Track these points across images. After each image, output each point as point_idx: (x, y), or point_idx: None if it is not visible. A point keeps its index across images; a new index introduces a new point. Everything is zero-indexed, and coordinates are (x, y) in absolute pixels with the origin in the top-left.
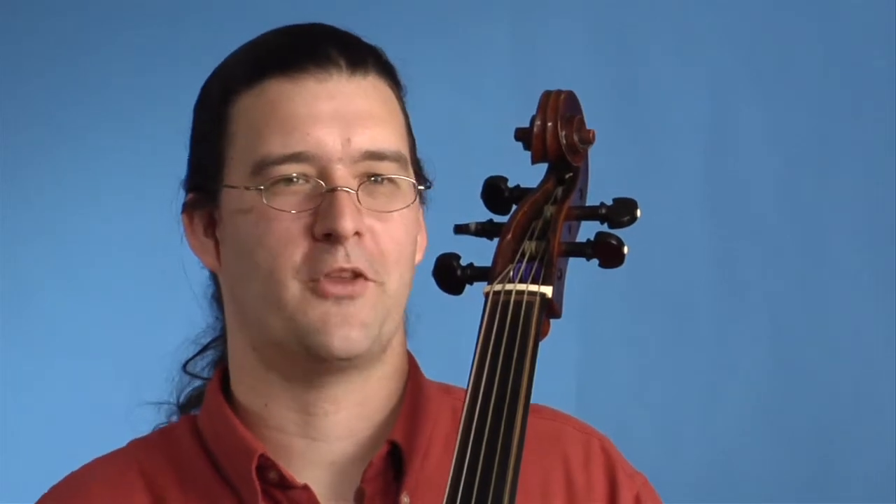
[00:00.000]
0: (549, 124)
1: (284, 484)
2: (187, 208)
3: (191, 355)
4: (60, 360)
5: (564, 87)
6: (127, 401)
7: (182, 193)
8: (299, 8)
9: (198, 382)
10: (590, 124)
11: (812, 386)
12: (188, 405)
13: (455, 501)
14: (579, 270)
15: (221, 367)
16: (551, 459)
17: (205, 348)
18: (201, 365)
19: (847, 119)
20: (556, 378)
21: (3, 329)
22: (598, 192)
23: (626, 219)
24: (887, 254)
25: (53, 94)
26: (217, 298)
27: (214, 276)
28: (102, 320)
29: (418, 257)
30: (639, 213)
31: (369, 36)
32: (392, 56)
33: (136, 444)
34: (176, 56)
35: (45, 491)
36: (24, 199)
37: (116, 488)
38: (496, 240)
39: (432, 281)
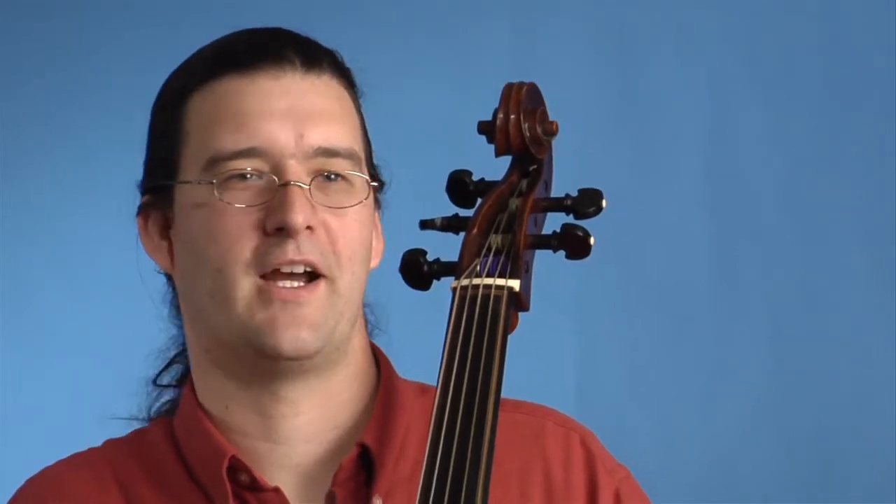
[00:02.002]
0: (512, 116)
1: (255, 486)
2: (142, 210)
3: (157, 369)
4: (60, 360)
5: (564, 88)
6: (127, 401)
7: (138, 197)
8: (299, 8)
9: (167, 395)
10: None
11: (812, 386)
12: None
13: (428, 497)
14: (578, 270)
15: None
16: (530, 455)
17: (171, 362)
18: (168, 378)
19: (847, 119)
20: (555, 377)
21: (3, 329)
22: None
23: (591, 209)
24: (887, 254)
25: (53, 95)
26: (175, 305)
27: (171, 282)
28: (102, 320)
29: (374, 262)
30: (604, 203)
31: (368, 35)
32: (391, 54)
33: (112, 444)
34: (176, 56)
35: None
36: (23, 199)
37: (90, 487)
38: (462, 234)
39: (400, 277)
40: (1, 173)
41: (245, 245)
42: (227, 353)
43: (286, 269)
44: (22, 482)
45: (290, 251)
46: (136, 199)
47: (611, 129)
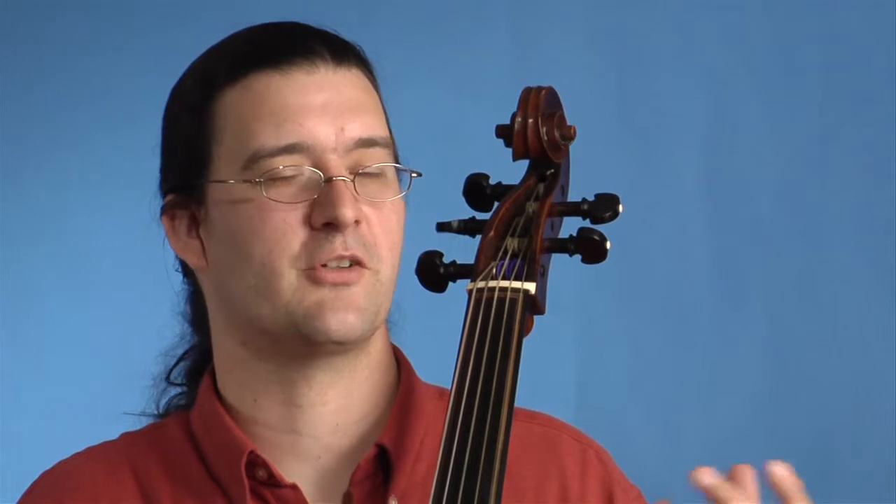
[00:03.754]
0: (530, 121)
1: (273, 482)
2: (167, 209)
3: (165, 367)
4: (60, 361)
5: (565, 88)
6: (127, 401)
7: (158, 199)
8: (301, 9)
9: (175, 391)
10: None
11: (812, 386)
12: (167, 415)
13: (441, 499)
14: (578, 270)
15: (211, 368)
16: (546, 466)
17: (180, 359)
18: (174, 375)
19: (847, 119)
20: (555, 377)
21: (3, 330)
22: (599, 191)
23: (607, 214)
24: (887, 254)
25: (55, 97)
26: (192, 303)
27: (192, 283)
28: (103, 321)
29: None
30: (621, 208)
31: (369, 36)
32: (392, 56)
33: (128, 438)
34: (178, 59)
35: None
36: (25, 201)
37: (107, 480)
38: (479, 237)
39: (416, 279)
40: (4, 175)
41: (292, 240)
42: (268, 343)
43: (333, 265)
44: (23, 481)
45: (339, 246)
46: (140, 201)
47: (611, 130)
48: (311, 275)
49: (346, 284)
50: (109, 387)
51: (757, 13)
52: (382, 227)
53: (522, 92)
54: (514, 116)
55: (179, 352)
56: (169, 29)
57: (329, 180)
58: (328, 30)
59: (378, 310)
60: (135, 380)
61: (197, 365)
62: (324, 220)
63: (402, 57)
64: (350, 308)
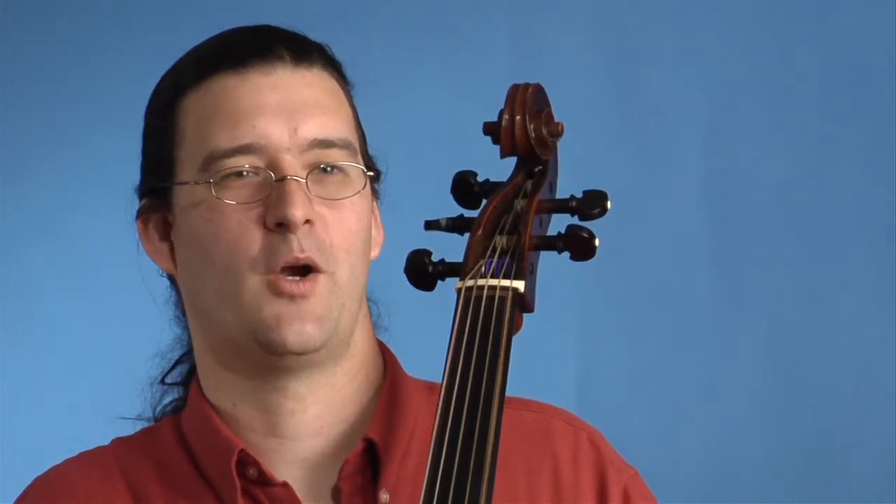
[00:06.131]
0: (517, 118)
1: (264, 481)
2: (142, 214)
3: (161, 370)
4: (60, 361)
5: (565, 87)
6: (128, 402)
7: (136, 201)
8: (301, 9)
9: (171, 396)
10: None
11: (811, 385)
12: (162, 419)
13: (432, 497)
14: (579, 270)
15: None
16: (538, 454)
17: (177, 363)
18: (172, 378)
19: (847, 119)
20: (555, 377)
21: (3, 330)
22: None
23: (596, 211)
24: (887, 254)
25: (55, 97)
26: (179, 307)
27: (174, 284)
28: (102, 321)
29: (374, 252)
30: (609, 204)
31: (370, 36)
32: (392, 56)
33: (119, 443)
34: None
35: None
36: (25, 201)
37: (99, 484)
38: (467, 235)
39: (405, 277)
40: (4, 175)
41: (250, 242)
42: (234, 352)
43: (289, 275)
44: (23, 482)
45: (295, 248)
46: (135, 202)
47: (610, 130)
48: (272, 283)
49: (303, 296)
50: (109, 387)
51: (757, 13)
52: (340, 227)
53: (510, 89)
54: (501, 113)
55: (176, 354)
56: (169, 29)
57: (281, 179)
58: (296, 31)
59: (339, 315)
60: (135, 380)
61: (194, 368)
62: (275, 220)
63: (402, 57)
64: (307, 319)
